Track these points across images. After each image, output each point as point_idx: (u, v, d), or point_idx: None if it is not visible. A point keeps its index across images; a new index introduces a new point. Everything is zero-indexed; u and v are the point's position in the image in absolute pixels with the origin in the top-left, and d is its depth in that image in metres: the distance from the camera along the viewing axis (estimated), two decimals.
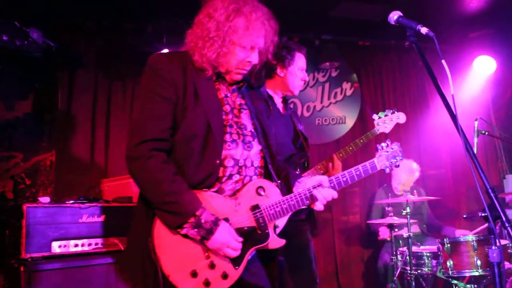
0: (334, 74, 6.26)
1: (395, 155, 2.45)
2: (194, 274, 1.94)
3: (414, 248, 4.66)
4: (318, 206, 2.20)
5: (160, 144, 1.98)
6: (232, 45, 2.06)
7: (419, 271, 4.61)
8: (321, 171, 3.62)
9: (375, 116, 4.00)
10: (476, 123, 4.41)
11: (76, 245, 3.28)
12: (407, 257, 4.49)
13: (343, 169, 2.66)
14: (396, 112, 4.00)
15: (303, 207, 2.19)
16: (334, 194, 2.21)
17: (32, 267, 3.04)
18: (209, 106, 2.05)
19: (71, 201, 3.38)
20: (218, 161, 2.02)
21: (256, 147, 2.18)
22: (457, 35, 6.08)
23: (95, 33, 5.29)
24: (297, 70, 3.45)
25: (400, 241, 5.08)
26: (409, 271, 4.44)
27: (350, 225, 6.07)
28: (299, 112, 6.06)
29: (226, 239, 1.96)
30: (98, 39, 5.34)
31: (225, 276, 1.99)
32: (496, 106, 6.68)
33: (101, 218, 3.45)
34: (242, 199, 2.09)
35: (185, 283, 1.93)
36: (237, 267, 2.02)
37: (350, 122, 6.24)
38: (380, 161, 2.41)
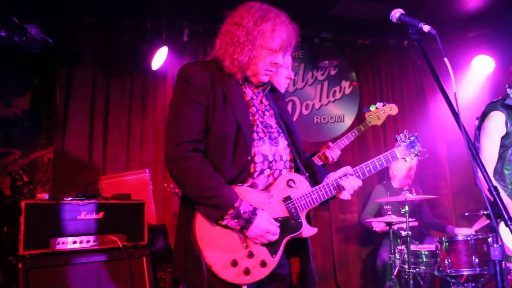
0: (333, 72, 6.26)
1: (413, 145, 2.61)
2: (234, 264, 2.08)
3: (412, 247, 4.66)
4: (345, 195, 2.35)
5: (196, 145, 2.15)
6: (261, 48, 2.21)
7: (417, 269, 4.61)
8: (321, 162, 3.68)
9: (366, 110, 4.06)
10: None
11: (75, 242, 3.28)
12: (405, 256, 4.48)
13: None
14: (387, 104, 4.05)
15: (331, 196, 2.32)
16: (359, 183, 2.35)
17: (30, 264, 3.04)
18: (238, 108, 2.21)
19: (70, 198, 3.37)
20: (249, 158, 2.17)
21: (283, 142, 2.32)
22: (456, 35, 6.08)
23: (93, 30, 5.27)
24: (281, 68, 3.42)
25: (398, 240, 5.08)
26: (407, 270, 4.44)
27: (348, 223, 6.06)
28: (297, 110, 6.07)
29: (265, 226, 2.11)
30: (97, 35, 5.32)
31: (263, 264, 2.13)
32: None
33: (100, 215, 3.45)
34: (274, 191, 2.23)
35: (227, 272, 2.07)
36: (274, 256, 2.16)
37: (348, 120, 6.23)
38: (400, 150, 2.57)
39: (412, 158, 2.60)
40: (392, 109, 4.05)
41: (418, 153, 2.62)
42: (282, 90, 3.56)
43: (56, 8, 4.88)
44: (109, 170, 5.12)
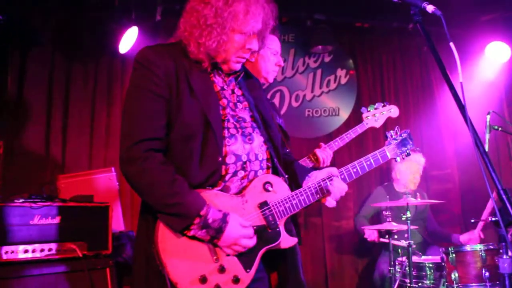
0: (327, 59, 6.26)
1: (405, 143, 2.59)
2: (203, 280, 2.02)
3: (414, 258, 4.68)
4: (330, 201, 2.30)
5: (155, 143, 2.07)
6: (232, 32, 2.13)
7: (420, 283, 4.63)
8: (311, 164, 3.69)
9: (364, 110, 4.07)
10: (488, 117, 4.42)
11: (26, 251, 3.22)
12: (407, 268, 4.50)
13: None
14: (387, 105, 4.08)
15: (313, 201, 2.28)
16: (345, 187, 2.32)
17: None
18: (206, 101, 2.13)
19: (21, 200, 3.32)
20: (220, 159, 2.11)
21: (258, 139, 2.26)
22: (468, 18, 6.11)
23: (53, 7, 5.21)
24: (269, 54, 3.43)
25: (399, 250, 5.10)
26: (408, 284, 4.46)
27: (342, 231, 6.08)
28: (286, 102, 6.07)
29: (239, 233, 2.06)
30: (57, 13, 5.26)
31: (236, 280, 2.07)
32: (510, 98, 6.72)
33: (56, 220, 3.40)
34: (249, 196, 2.18)
35: None
36: (248, 270, 2.11)
37: (344, 114, 6.24)
38: (390, 149, 2.56)
39: (403, 158, 2.59)
40: (392, 111, 4.08)
41: (410, 152, 2.61)
42: (271, 79, 3.54)
43: None
44: (69, 168, 5.07)
